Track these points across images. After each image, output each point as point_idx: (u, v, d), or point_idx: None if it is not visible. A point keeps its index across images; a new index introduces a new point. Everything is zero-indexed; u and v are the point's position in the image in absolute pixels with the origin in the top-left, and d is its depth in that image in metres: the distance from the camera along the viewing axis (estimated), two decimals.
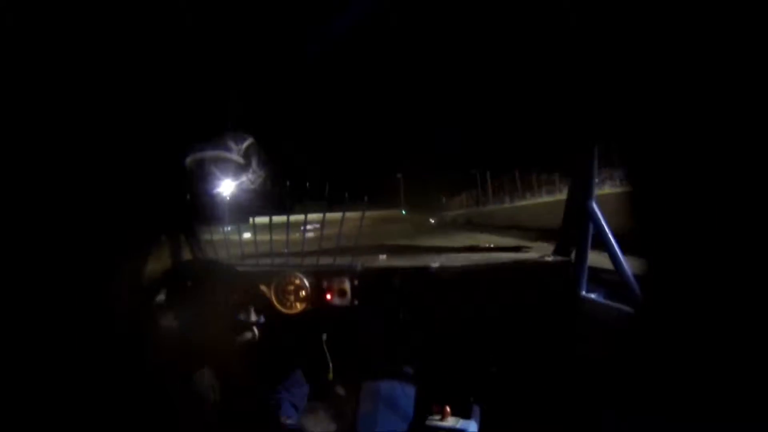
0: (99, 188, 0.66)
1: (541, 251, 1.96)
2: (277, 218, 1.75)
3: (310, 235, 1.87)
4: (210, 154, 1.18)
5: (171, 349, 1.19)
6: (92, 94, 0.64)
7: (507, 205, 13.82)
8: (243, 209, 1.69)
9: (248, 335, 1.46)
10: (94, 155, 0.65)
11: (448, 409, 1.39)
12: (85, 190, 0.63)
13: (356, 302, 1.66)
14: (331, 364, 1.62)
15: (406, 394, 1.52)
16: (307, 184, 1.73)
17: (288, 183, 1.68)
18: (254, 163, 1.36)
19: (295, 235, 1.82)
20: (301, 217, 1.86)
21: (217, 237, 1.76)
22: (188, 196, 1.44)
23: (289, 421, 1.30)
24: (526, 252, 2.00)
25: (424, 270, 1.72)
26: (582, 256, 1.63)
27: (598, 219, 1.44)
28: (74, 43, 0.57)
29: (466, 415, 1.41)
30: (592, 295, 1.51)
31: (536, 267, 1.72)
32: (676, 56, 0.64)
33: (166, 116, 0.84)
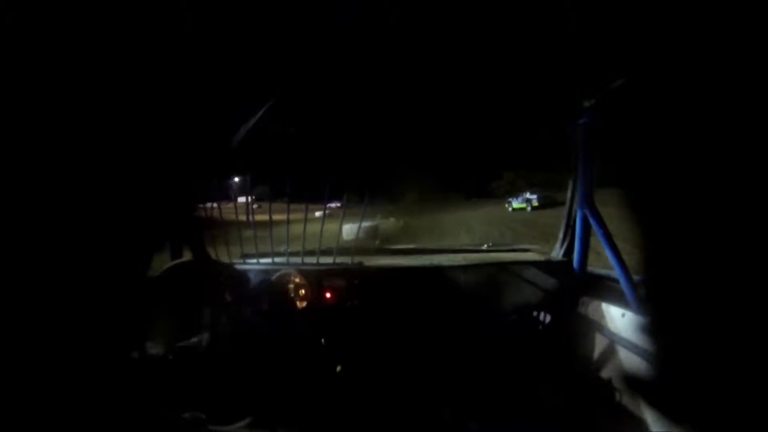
0: (103, 190, 0.66)
1: (540, 252, 1.96)
2: None
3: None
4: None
5: (170, 348, 1.19)
6: (94, 96, 0.64)
7: None
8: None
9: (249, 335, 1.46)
10: (98, 156, 0.65)
11: (445, 409, 1.40)
12: (89, 191, 0.63)
13: (356, 301, 1.67)
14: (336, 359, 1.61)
15: None
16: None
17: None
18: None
19: None
20: None
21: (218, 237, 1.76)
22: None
23: None
24: (526, 252, 2.00)
25: (424, 269, 1.73)
26: (582, 257, 1.63)
27: (598, 221, 1.45)
28: (76, 43, 0.58)
29: (464, 415, 1.42)
30: (592, 295, 1.51)
31: (536, 267, 1.72)
32: (674, 60, 0.64)
33: (169, 117, 0.84)
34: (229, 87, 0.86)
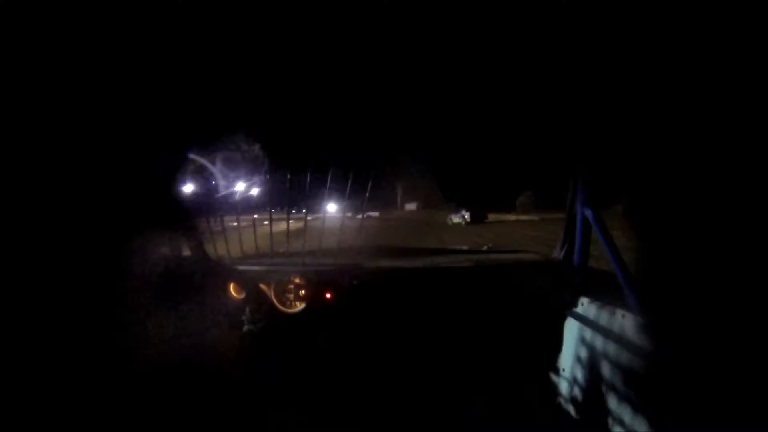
0: (100, 186, 0.66)
1: (540, 253, 1.96)
2: None
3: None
4: (224, 154, 1.22)
5: (168, 346, 1.19)
6: (93, 95, 0.64)
7: None
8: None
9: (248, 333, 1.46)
10: (95, 154, 0.66)
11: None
12: (86, 188, 0.64)
13: (356, 301, 1.67)
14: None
15: None
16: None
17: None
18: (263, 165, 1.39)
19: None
20: None
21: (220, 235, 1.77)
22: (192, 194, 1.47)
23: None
24: (526, 254, 2.00)
25: (424, 270, 1.73)
26: (582, 257, 1.63)
27: (598, 223, 1.44)
28: (75, 43, 0.58)
29: (462, 414, 1.41)
30: (592, 296, 1.50)
31: (536, 268, 1.72)
32: (671, 70, 0.64)
33: (167, 115, 0.85)
34: (223, 88, 0.87)
